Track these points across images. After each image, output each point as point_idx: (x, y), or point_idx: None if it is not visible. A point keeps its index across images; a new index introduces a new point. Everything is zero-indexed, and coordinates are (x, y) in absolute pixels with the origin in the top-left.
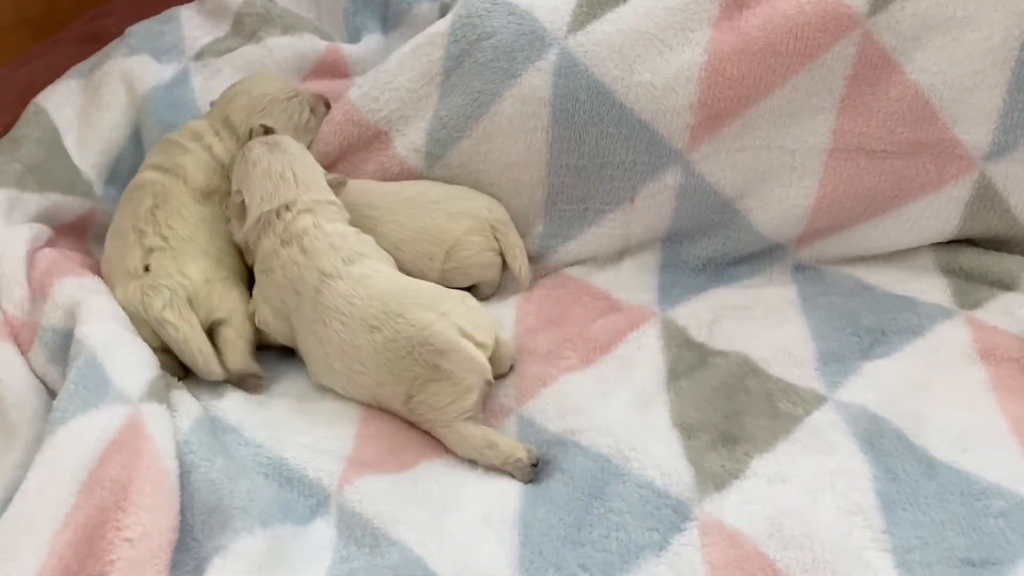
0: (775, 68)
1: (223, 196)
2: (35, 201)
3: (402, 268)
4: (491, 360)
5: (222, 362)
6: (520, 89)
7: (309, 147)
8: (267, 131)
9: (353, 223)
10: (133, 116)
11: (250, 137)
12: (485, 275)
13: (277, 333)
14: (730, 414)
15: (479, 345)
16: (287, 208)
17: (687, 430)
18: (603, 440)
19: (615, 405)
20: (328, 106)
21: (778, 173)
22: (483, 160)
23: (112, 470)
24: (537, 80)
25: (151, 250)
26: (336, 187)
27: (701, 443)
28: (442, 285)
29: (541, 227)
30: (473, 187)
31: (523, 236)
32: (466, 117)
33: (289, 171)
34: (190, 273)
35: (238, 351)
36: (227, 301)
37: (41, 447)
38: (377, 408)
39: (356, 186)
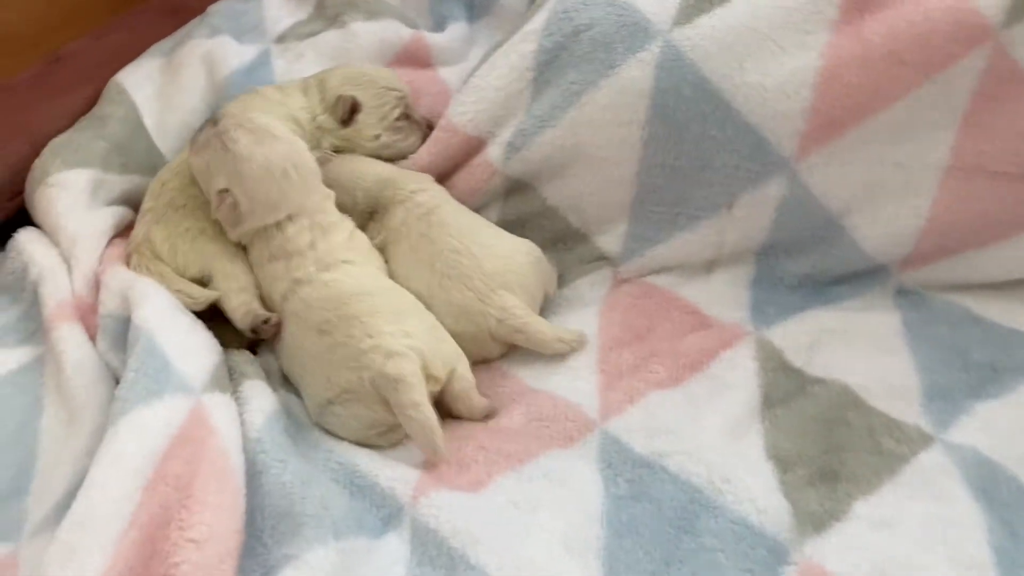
0: (897, 78)
1: None
2: (118, 183)
3: None
4: (442, 395)
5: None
6: (618, 79)
7: (392, 152)
8: (354, 107)
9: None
10: (212, 100)
11: (336, 105)
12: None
13: None
14: (829, 448)
15: (431, 378)
16: (290, 219)
17: (783, 463)
18: (694, 468)
19: (707, 429)
20: (431, 127)
21: (890, 190)
22: (567, 153)
23: (176, 466)
24: (638, 71)
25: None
26: (322, 165)
27: (798, 478)
28: None
29: (625, 227)
30: (552, 180)
31: (604, 234)
32: (554, 107)
33: (292, 167)
34: (152, 236)
35: (233, 307)
36: (195, 256)
37: (104, 440)
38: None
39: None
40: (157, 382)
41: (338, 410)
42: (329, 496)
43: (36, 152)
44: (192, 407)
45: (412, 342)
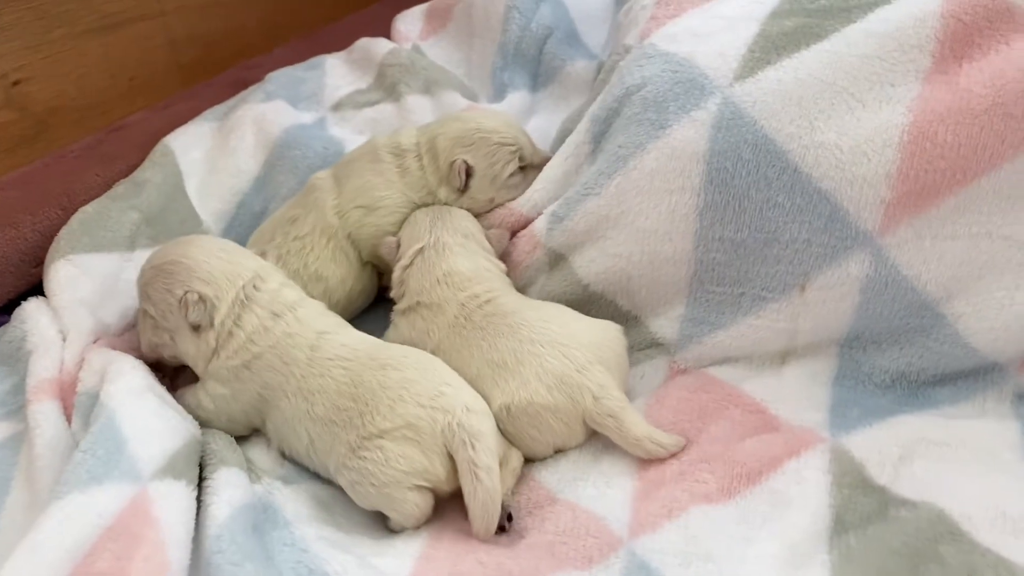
0: (1004, 136)
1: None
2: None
3: None
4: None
5: None
6: (668, 141)
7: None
8: (468, 171)
9: None
10: (260, 159)
11: (449, 171)
12: None
13: (233, 424)
14: None
15: None
16: (261, 279)
17: None
18: None
19: (758, 558)
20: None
21: (1001, 271)
22: (612, 224)
23: (103, 562)
24: (691, 132)
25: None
26: None
27: None
28: None
29: (682, 310)
30: (598, 255)
31: (658, 318)
32: (599, 173)
33: (227, 245)
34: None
35: None
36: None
37: (31, 526)
38: (444, 526)
39: None
40: (104, 465)
41: (388, 445)
42: None
43: (68, 219)
44: (134, 495)
45: (485, 407)
